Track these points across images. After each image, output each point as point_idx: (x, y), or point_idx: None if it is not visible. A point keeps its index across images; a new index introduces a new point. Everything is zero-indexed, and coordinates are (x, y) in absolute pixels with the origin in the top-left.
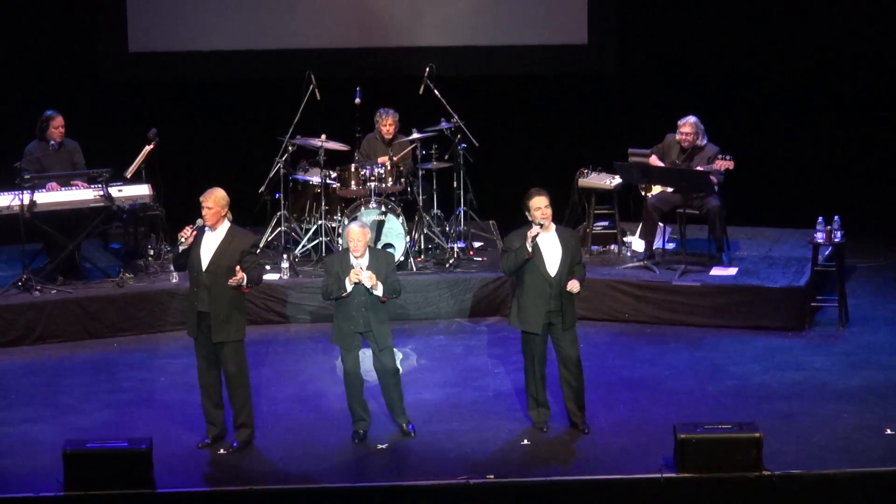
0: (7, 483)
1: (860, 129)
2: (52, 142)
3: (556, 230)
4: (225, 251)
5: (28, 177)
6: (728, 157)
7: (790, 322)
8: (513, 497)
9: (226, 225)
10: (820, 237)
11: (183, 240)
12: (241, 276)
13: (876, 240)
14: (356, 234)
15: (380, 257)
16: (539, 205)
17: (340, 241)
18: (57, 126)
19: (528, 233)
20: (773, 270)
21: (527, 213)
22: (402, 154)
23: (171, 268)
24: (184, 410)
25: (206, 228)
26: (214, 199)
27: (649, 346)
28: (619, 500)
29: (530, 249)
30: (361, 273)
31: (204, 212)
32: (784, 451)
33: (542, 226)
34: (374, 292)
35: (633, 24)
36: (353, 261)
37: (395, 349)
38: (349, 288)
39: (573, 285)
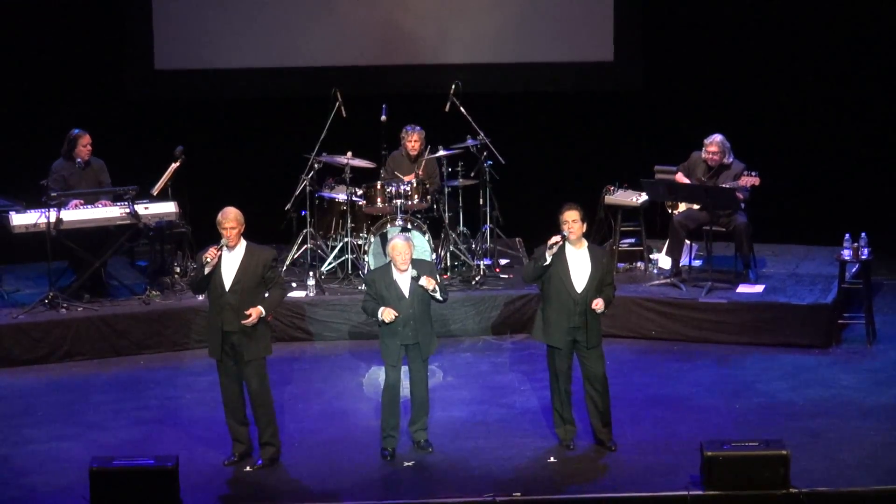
0: (34, 500)
1: (887, 145)
2: (79, 160)
3: (588, 247)
4: (247, 268)
5: (54, 194)
6: (753, 174)
7: (817, 339)
8: None
9: (242, 243)
10: (847, 254)
11: (209, 260)
12: (256, 316)
13: None
14: (402, 248)
15: (422, 265)
16: (567, 218)
17: (367, 259)
18: (84, 144)
19: (549, 241)
20: (800, 287)
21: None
22: (423, 166)
23: (191, 291)
24: (210, 427)
25: (225, 249)
26: (234, 219)
27: (675, 364)
28: None
29: (549, 259)
30: (421, 279)
31: (227, 233)
32: (811, 469)
33: (565, 238)
34: (436, 296)
35: (658, 41)
36: (396, 275)
37: None
38: (388, 320)
39: (598, 304)
